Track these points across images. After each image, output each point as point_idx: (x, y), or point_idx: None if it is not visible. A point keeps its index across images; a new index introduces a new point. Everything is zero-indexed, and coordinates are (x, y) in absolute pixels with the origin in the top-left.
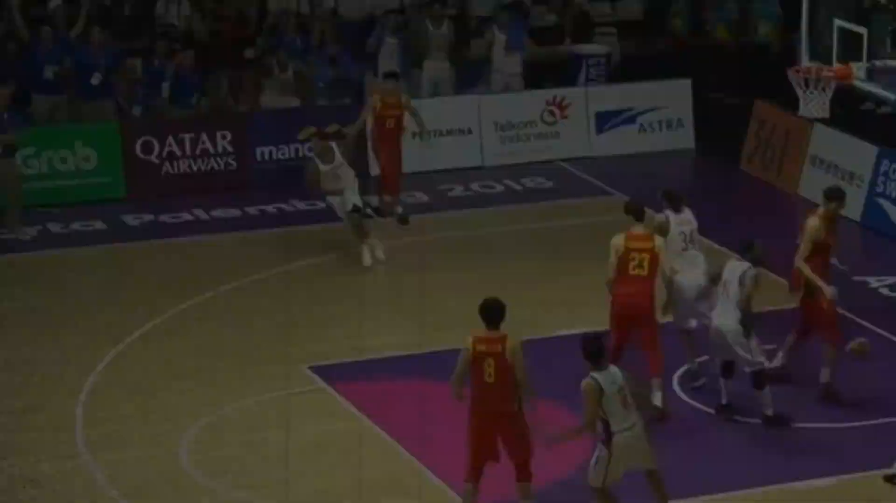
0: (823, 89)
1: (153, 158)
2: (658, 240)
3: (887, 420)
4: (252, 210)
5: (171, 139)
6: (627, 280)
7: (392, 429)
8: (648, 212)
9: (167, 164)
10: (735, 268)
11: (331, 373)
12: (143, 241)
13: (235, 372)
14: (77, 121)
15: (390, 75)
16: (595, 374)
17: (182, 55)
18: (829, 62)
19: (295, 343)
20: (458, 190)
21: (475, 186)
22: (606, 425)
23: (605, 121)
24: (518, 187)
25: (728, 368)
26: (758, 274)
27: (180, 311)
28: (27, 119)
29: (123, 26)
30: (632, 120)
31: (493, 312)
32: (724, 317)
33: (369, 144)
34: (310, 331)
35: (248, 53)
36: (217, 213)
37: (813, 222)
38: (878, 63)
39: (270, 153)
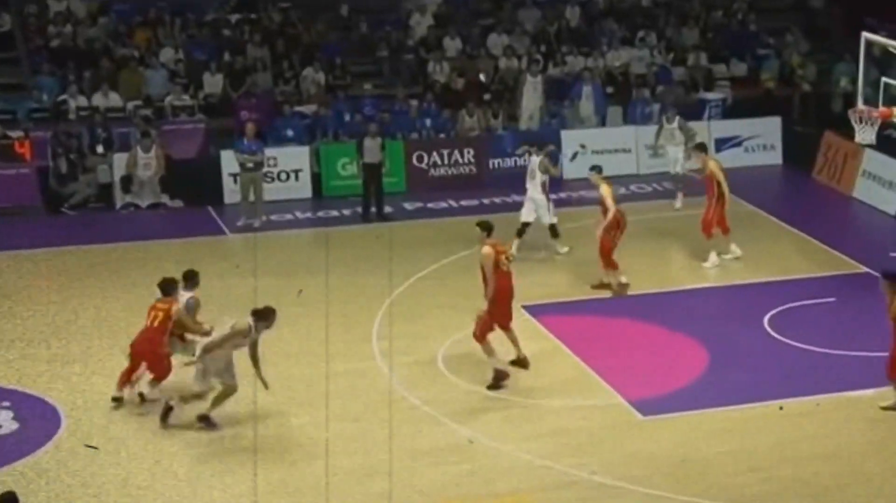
0: (872, 124)
1: (423, 166)
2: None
3: None
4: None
5: (435, 154)
6: (502, 274)
7: (575, 349)
8: None
9: (432, 169)
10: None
11: (535, 310)
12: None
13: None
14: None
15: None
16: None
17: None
18: (876, 105)
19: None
20: (622, 190)
21: (632, 188)
22: None
23: (721, 144)
24: (660, 189)
25: None
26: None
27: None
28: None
29: (406, 80)
30: (739, 144)
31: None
32: None
33: None
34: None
35: (486, 97)
36: (463, 202)
37: None
38: None
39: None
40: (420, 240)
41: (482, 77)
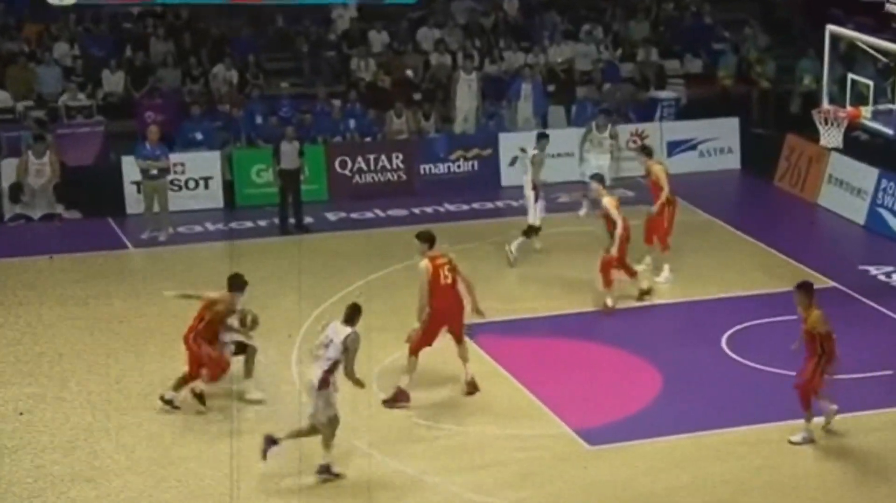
0: (838, 126)
1: (347, 172)
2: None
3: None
4: (416, 210)
5: (360, 159)
6: (441, 290)
7: (515, 372)
8: None
9: (357, 176)
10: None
11: (470, 330)
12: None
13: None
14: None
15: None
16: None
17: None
18: (843, 105)
19: None
20: (564, 197)
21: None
22: None
23: (674, 147)
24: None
25: None
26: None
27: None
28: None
29: (328, 78)
30: (694, 147)
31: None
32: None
33: None
34: None
35: (416, 96)
36: (391, 212)
37: None
38: (880, 107)
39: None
40: (344, 254)
41: (410, 74)
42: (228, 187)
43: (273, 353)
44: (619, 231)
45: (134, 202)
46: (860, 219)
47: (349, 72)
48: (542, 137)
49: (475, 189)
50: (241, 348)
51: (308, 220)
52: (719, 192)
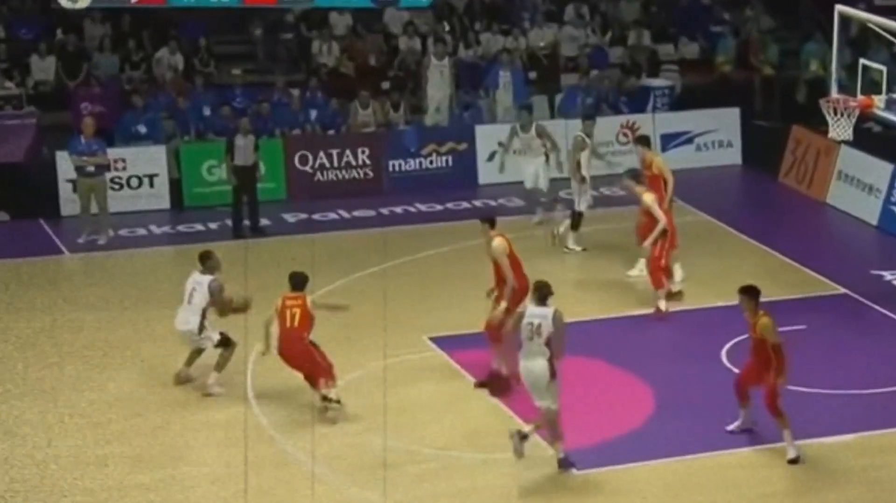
0: (849, 116)
1: (308, 169)
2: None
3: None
4: (384, 211)
5: (322, 154)
6: (519, 268)
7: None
8: None
9: (319, 173)
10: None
11: (445, 343)
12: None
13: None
14: None
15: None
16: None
17: None
18: (853, 93)
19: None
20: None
21: (561, 194)
22: None
23: (668, 141)
24: (596, 194)
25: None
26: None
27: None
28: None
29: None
30: (690, 141)
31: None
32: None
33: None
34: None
35: (384, 85)
36: (357, 213)
37: None
38: (894, 95)
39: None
40: (303, 260)
41: (372, 60)
42: (175, 186)
43: (226, 373)
44: (659, 227)
45: (69, 202)
46: (873, 219)
47: (309, 57)
48: (588, 118)
49: (449, 187)
50: (226, 341)
51: (264, 222)
52: (718, 189)
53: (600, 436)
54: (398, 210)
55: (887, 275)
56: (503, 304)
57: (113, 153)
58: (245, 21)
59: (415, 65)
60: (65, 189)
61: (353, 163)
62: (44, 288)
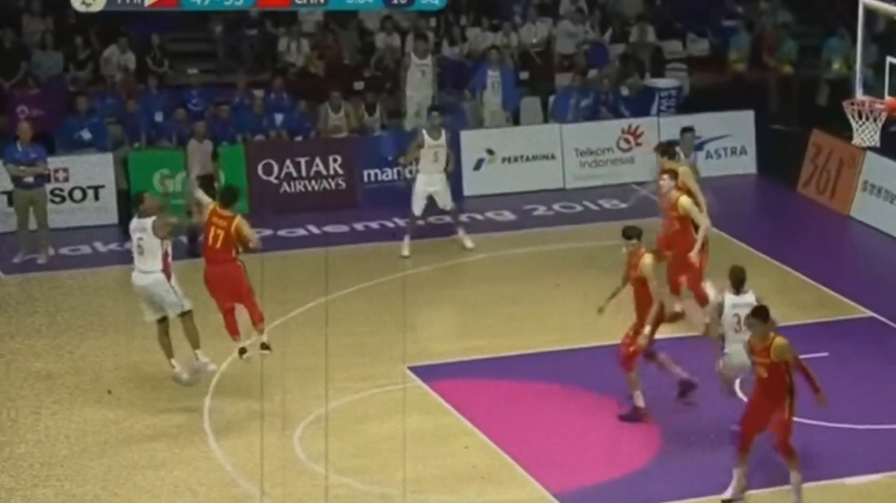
0: (875, 120)
1: (272, 179)
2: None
3: None
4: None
5: (288, 162)
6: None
7: (481, 425)
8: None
9: (285, 184)
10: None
11: (426, 373)
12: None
13: (342, 370)
14: None
15: None
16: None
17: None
18: (880, 95)
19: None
20: (541, 209)
21: (556, 207)
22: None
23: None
24: (595, 208)
25: None
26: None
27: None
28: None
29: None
30: (699, 147)
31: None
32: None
33: None
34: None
35: (358, 85)
36: (328, 228)
37: None
38: None
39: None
40: (268, 280)
41: (345, 59)
42: (124, 198)
43: (181, 407)
44: (702, 233)
45: (4, 217)
46: None
47: (275, 55)
48: (687, 131)
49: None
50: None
51: None
52: (731, 201)
53: (599, 476)
54: (374, 225)
55: None
56: (646, 329)
57: (53, 162)
58: (203, 17)
59: (393, 64)
60: None
61: (324, 172)
62: None
